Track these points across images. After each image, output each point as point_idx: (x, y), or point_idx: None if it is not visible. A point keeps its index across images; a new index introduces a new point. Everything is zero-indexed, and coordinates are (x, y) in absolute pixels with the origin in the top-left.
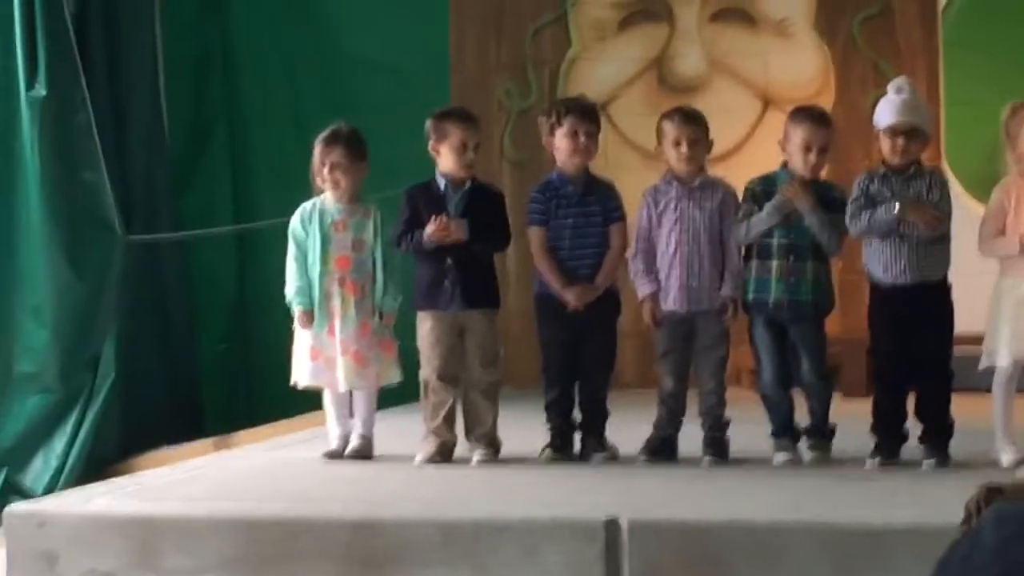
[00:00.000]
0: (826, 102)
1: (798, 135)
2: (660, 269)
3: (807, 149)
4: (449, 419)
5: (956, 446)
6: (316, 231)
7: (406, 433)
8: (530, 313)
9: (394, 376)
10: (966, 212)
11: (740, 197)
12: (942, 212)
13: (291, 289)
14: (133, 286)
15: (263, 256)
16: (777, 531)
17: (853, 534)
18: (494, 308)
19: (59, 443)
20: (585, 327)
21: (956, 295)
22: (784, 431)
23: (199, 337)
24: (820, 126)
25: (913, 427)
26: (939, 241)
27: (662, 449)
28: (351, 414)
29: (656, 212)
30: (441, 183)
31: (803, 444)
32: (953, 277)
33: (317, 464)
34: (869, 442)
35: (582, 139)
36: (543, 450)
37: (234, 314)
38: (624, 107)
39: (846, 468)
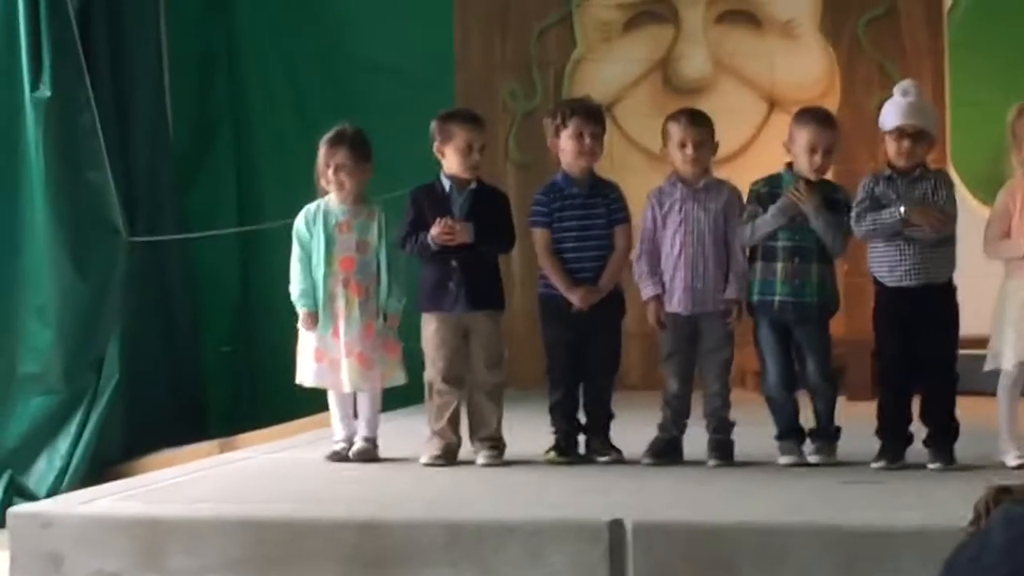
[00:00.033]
0: (831, 103)
1: (803, 136)
2: (664, 271)
3: (812, 150)
4: (453, 420)
5: (961, 448)
6: (320, 232)
7: (411, 434)
8: (534, 314)
9: (398, 378)
10: (971, 214)
11: (745, 198)
12: (947, 214)
13: (296, 291)
14: (137, 286)
15: (267, 257)
16: (782, 533)
17: (858, 536)
18: (499, 310)
19: (63, 444)
20: (590, 328)
21: (961, 297)
22: (789, 433)
23: (203, 338)
24: (825, 127)
25: (918, 429)
26: (944, 243)
27: (667, 451)
28: (355, 415)
29: (660, 214)
30: (446, 184)
31: (808, 446)
32: (958, 279)
33: (322, 465)
34: (874, 444)
35: (587, 140)
36: (547, 451)
37: (238, 315)
38: (629, 108)
39: (851, 470)
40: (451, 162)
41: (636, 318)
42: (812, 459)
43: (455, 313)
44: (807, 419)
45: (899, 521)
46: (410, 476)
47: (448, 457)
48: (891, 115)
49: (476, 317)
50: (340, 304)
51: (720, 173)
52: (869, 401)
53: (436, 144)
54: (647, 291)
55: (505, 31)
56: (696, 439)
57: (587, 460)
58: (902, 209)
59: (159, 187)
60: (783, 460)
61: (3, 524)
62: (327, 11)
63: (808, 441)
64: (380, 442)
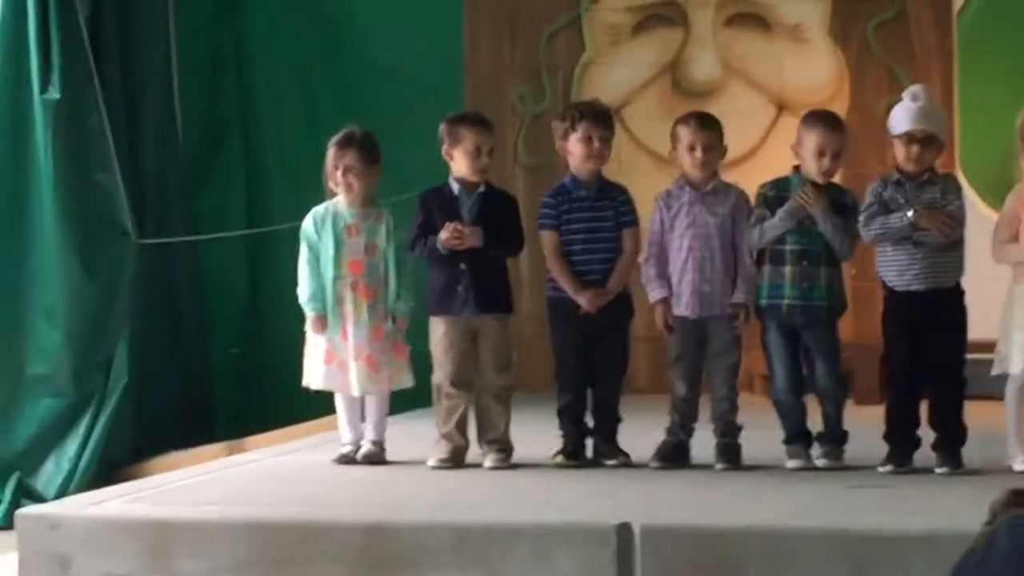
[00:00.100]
0: (840, 107)
1: (811, 140)
2: (672, 274)
3: (820, 154)
4: (461, 424)
5: (969, 452)
6: (329, 235)
7: (418, 437)
8: (543, 317)
9: (406, 381)
10: (980, 218)
11: (753, 202)
12: (955, 219)
13: (304, 294)
14: (145, 288)
15: (276, 259)
16: (790, 537)
17: (866, 540)
18: (507, 313)
19: (71, 446)
20: (598, 331)
21: (969, 301)
22: (797, 437)
23: (211, 340)
24: (833, 131)
25: (926, 433)
26: (953, 247)
27: (675, 455)
28: (363, 418)
29: (669, 217)
30: (455, 187)
31: (816, 450)
32: (967, 283)
33: (329, 468)
34: (882, 448)
35: (596, 144)
36: (555, 454)
37: (246, 317)
38: (638, 111)
39: (859, 474)
40: (460, 165)
41: (644, 322)
42: (820, 463)
43: (463, 316)
44: (815, 423)
45: (907, 525)
46: (417, 479)
47: (456, 460)
48: (900, 119)
49: (484, 320)
50: (348, 307)
51: (728, 176)
52: (877, 405)
53: (445, 147)
54: (655, 294)
55: (514, 34)
56: (704, 443)
57: (595, 464)
58: (910, 213)
59: (168, 189)
60: (791, 464)
61: (12, 526)
62: (335, 14)
63: (816, 445)
64: (387, 445)
